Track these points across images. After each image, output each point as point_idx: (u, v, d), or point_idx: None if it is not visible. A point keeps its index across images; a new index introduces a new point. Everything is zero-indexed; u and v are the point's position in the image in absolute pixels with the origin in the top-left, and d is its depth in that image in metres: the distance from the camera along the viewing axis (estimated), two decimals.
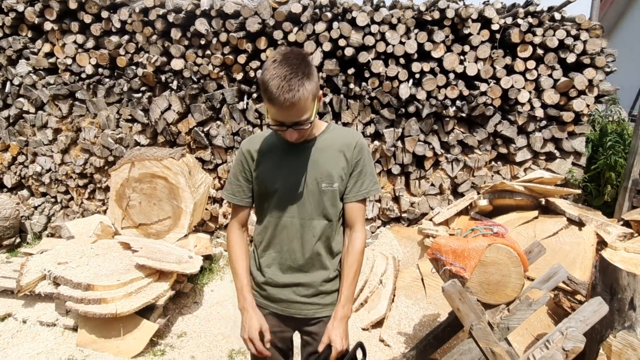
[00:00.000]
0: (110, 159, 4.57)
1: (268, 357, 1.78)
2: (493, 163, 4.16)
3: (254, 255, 1.83)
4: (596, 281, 2.52)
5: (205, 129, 4.36)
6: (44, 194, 4.91)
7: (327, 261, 1.74)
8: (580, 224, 3.50)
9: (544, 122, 4.06)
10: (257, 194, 1.76)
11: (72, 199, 4.84)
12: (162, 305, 3.33)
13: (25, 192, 4.97)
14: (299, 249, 1.71)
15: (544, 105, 4.00)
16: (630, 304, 2.31)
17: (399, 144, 4.14)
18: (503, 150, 4.14)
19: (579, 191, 3.84)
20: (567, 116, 3.96)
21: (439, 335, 2.82)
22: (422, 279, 3.53)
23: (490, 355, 2.16)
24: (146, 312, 3.27)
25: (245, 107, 4.27)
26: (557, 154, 4.12)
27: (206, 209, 4.43)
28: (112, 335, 3.16)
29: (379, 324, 3.33)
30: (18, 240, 4.70)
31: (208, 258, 4.16)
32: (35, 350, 3.09)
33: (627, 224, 3.52)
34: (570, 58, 3.93)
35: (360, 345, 1.71)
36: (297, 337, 1.84)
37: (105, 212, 4.60)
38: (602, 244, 3.34)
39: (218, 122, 4.37)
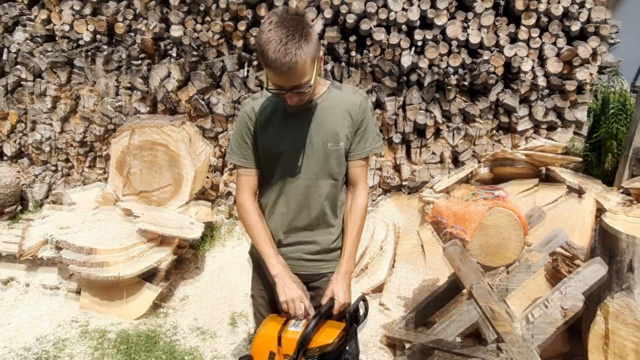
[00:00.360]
0: (110, 127, 4.55)
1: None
2: (494, 132, 4.15)
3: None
4: (595, 245, 2.55)
5: (206, 97, 4.32)
6: (44, 163, 4.90)
7: (332, 220, 1.75)
8: (580, 192, 3.51)
9: (546, 92, 4.03)
10: (262, 157, 1.75)
11: (72, 167, 4.83)
12: (164, 270, 3.37)
13: (25, 161, 4.96)
14: (305, 209, 1.72)
15: (547, 75, 3.96)
16: (629, 266, 2.33)
17: (400, 112, 4.11)
18: (505, 119, 4.12)
19: (579, 159, 3.84)
20: (570, 85, 3.93)
21: (438, 298, 2.86)
22: (422, 246, 3.56)
23: (489, 313, 2.20)
24: (148, 276, 3.30)
25: (246, 75, 4.23)
26: (559, 123, 4.10)
27: (207, 178, 4.43)
28: (115, 298, 3.20)
29: (378, 289, 3.37)
30: (20, 208, 4.72)
31: (209, 226, 4.18)
32: (39, 312, 3.14)
33: (626, 192, 3.53)
34: (575, 26, 3.87)
35: (362, 298, 1.74)
36: None
37: (106, 180, 4.60)
38: (601, 212, 3.36)
39: (219, 90, 4.34)
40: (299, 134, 1.68)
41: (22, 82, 4.71)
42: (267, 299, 1.84)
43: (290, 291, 1.64)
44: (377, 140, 1.75)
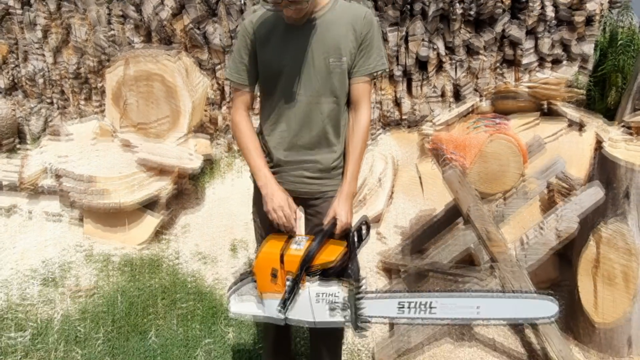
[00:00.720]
0: (104, 58, 4.42)
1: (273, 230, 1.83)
2: (498, 66, 4.07)
3: (260, 135, 1.81)
4: (593, 174, 2.56)
5: (202, 26, 4.18)
6: (39, 96, 4.82)
7: (334, 140, 1.72)
8: (581, 126, 3.50)
9: (554, 23, 3.91)
10: (262, 75, 1.70)
11: (68, 100, 4.76)
12: (165, 199, 3.40)
13: (20, 94, 4.88)
14: (306, 127, 1.69)
15: (556, 5, 3.82)
16: (625, 193, 2.35)
17: (403, 44, 4.00)
18: (509, 52, 4.02)
19: (582, 92, 3.80)
20: (579, 17, 3.80)
21: (434, 226, 2.92)
22: (420, 178, 3.59)
23: (485, 235, 2.24)
24: (149, 206, 3.34)
25: (243, 2, 4.06)
26: (565, 57, 4.01)
27: (205, 111, 4.38)
28: (117, 226, 3.26)
29: (376, 219, 3.43)
30: (17, 141, 4.69)
31: (209, 160, 4.18)
32: (43, 238, 3.20)
33: (627, 126, 3.52)
34: None
35: (364, 220, 1.76)
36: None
37: (103, 114, 4.54)
38: (601, 145, 3.36)
39: (215, 19, 4.18)
40: (300, 49, 1.62)
41: (10, 11, 4.53)
42: (267, 220, 1.86)
43: (272, 201, 1.66)
44: (380, 57, 1.69)
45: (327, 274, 1.58)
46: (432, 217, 2.95)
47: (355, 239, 1.71)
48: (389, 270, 2.99)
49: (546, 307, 1.58)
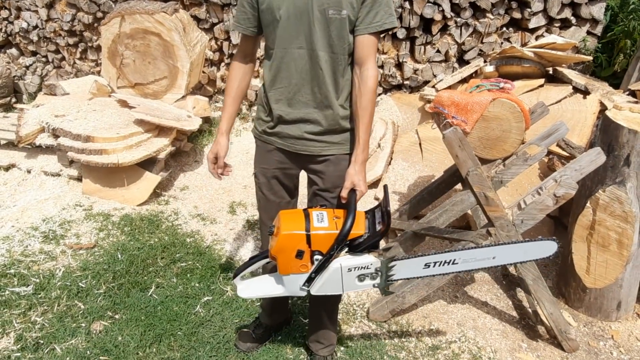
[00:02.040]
0: (99, 15, 4.30)
1: (272, 196, 1.85)
2: (504, 29, 3.95)
3: (262, 91, 1.79)
4: (595, 140, 2.53)
5: None
6: (34, 53, 4.72)
7: (334, 99, 1.68)
8: (585, 92, 3.44)
9: None
10: (263, 23, 1.67)
11: (63, 58, 4.66)
12: (163, 159, 3.39)
13: (14, 51, 4.78)
14: (307, 83, 1.66)
15: None
16: (626, 160, 2.34)
17: (407, 4, 3.87)
18: (517, 15, 3.90)
19: (590, 58, 3.71)
20: None
21: (433, 192, 2.92)
22: (420, 144, 3.56)
23: (483, 199, 2.24)
24: (148, 165, 3.33)
25: None
26: (573, 20, 3.89)
27: (203, 72, 4.30)
28: (116, 185, 3.26)
29: (374, 184, 3.43)
30: (14, 99, 4.64)
31: (207, 121, 4.14)
32: (43, 196, 3.21)
33: (632, 94, 3.46)
34: None
35: (384, 187, 1.71)
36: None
37: (99, 73, 4.46)
38: (604, 112, 3.32)
39: None
40: None
41: None
42: (268, 177, 1.85)
43: (210, 152, 1.82)
44: (389, 15, 1.60)
45: (356, 245, 1.55)
46: (431, 184, 2.94)
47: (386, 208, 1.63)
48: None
49: (549, 247, 1.75)
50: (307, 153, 1.75)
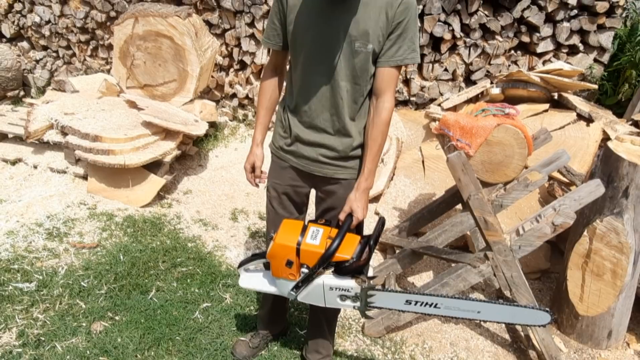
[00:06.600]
0: (112, 14, 4.35)
1: (281, 210, 1.92)
2: (512, 52, 4.00)
3: (282, 105, 1.84)
4: (595, 170, 2.58)
5: None
6: (45, 48, 4.76)
7: (351, 127, 1.72)
8: (589, 120, 3.48)
9: (574, 12, 3.82)
10: (290, 43, 1.70)
11: (74, 54, 4.71)
12: (169, 162, 3.43)
13: (25, 44, 4.82)
14: (326, 110, 1.69)
15: None
16: (625, 192, 2.38)
17: (418, 23, 3.92)
18: (525, 39, 3.95)
19: (595, 86, 3.75)
20: (601, 6, 3.72)
21: (433, 210, 2.96)
22: (423, 161, 3.60)
23: (482, 223, 2.28)
24: (153, 167, 3.37)
25: None
26: (581, 47, 3.94)
27: (212, 77, 4.34)
28: (121, 186, 3.29)
29: (375, 199, 3.47)
30: (22, 93, 4.67)
31: (213, 126, 4.18)
32: (48, 193, 3.25)
33: (635, 124, 3.51)
34: None
35: (382, 221, 1.79)
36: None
37: (109, 71, 4.50)
38: (606, 141, 3.36)
39: None
40: (328, 27, 1.58)
41: None
42: (279, 192, 1.90)
43: (247, 161, 1.93)
44: (412, 50, 1.60)
45: (341, 268, 1.62)
46: (432, 202, 2.98)
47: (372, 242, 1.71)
48: (385, 250, 3.05)
49: (541, 317, 1.71)
50: (321, 175, 1.80)
